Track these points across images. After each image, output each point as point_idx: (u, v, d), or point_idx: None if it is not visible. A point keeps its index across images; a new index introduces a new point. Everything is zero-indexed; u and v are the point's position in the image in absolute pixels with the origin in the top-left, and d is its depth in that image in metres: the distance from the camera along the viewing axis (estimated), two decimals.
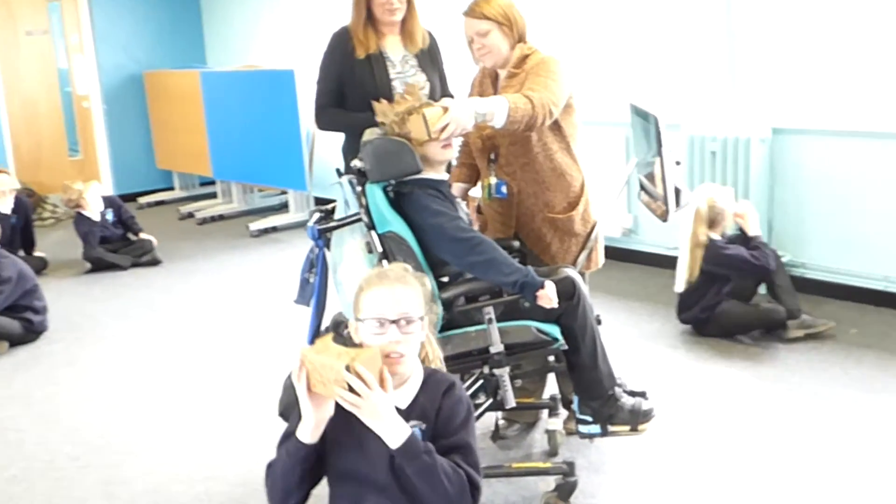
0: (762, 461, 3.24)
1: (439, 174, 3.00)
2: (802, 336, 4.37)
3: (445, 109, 2.87)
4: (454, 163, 3.59)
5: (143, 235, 6.92)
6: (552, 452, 3.23)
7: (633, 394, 3.26)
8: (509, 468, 3.19)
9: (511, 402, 2.94)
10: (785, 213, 5.11)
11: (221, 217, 8.33)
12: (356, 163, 2.98)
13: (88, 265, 6.61)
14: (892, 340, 4.32)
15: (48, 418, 4.05)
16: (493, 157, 3.33)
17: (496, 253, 2.84)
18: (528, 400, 3.38)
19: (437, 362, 2.24)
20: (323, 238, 3.17)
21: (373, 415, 1.88)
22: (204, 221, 8.25)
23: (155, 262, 6.71)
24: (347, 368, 1.79)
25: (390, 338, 1.94)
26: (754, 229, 4.55)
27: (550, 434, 3.28)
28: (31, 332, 5.06)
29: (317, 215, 3.30)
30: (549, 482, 3.02)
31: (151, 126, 9.35)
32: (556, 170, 3.27)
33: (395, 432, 1.89)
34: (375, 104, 3.08)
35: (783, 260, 4.82)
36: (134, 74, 9.23)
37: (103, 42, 9.02)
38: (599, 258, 3.51)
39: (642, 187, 3.78)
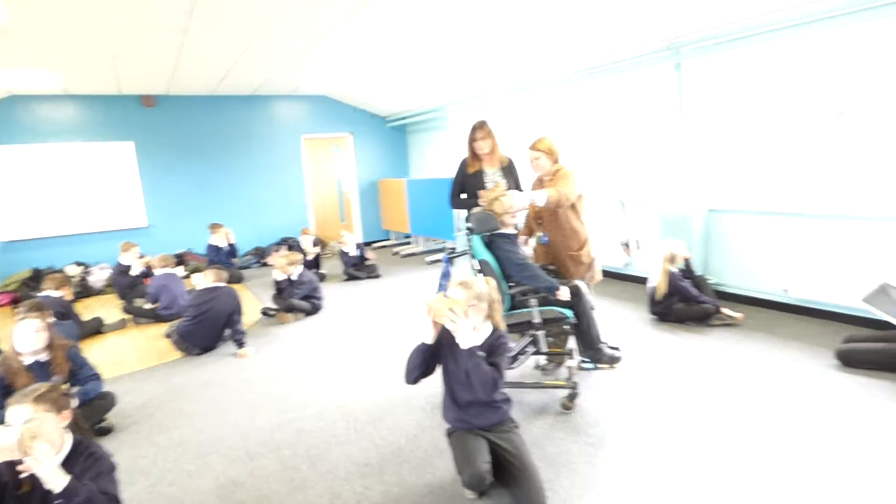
0: (694, 389, 3.19)
1: (510, 230, 3.15)
2: (720, 324, 4.21)
3: (512, 197, 3.07)
4: (521, 225, 3.71)
5: (370, 262, 7.06)
6: (569, 378, 3.19)
7: (612, 348, 3.30)
8: (544, 384, 3.25)
9: (544, 348, 3.05)
10: (715, 255, 4.88)
11: (413, 254, 8.43)
12: (468, 224, 3.15)
13: (345, 277, 6.88)
14: (774, 325, 4.10)
15: (318, 349, 4.36)
16: (540, 221, 3.43)
17: (538, 271, 2.99)
18: (557, 350, 3.42)
19: (501, 325, 2.43)
20: (450, 262, 3.41)
21: (459, 332, 2.11)
22: (405, 256, 8.37)
23: (378, 276, 6.88)
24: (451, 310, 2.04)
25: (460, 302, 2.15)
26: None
27: (569, 368, 3.27)
28: (316, 309, 5.39)
29: (448, 250, 3.55)
30: (564, 393, 3.09)
31: (380, 207, 9.62)
32: (573, 229, 3.32)
33: (467, 342, 2.10)
34: (480, 192, 3.28)
35: (712, 282, 4.63)
36: (373, 181, 9.56)
37: (359, 164, 9.39)
38: (598, 276, 3.49)
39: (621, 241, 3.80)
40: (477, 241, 3.06)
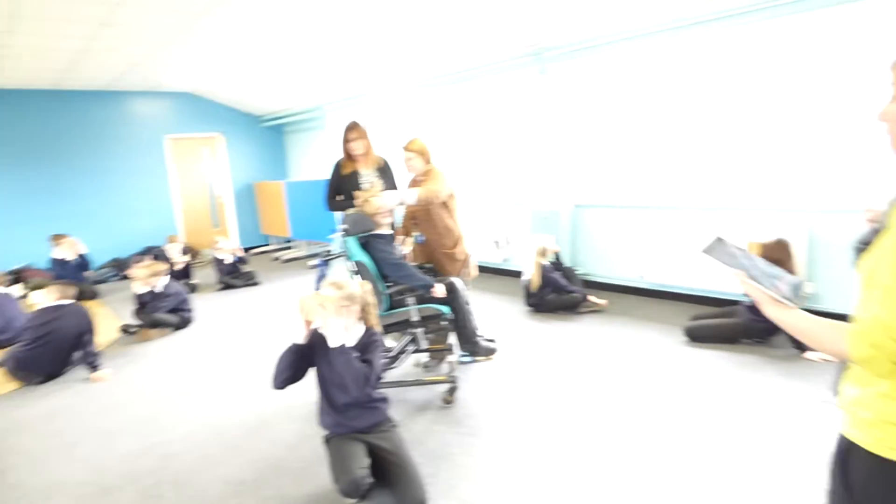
0: (564, 372, 3.40)
1: (385, 230, 3.13)
2: (588, 311, 4.54)
3: (382, 197, 3.08)
4: (398, 224, 3.72)
5: (247, 268, 6.72)
6: (449, 373, 3.27)
7: (488, 340, 3.43)
8: (424, 380, 3.30)
9: (424, 345, 3.11)
10: (582, 248, 5.26)
11: (295, 259, 8.20)
12: (342, 226, 3.11)
13: (220, 286, 6.48)
14: (633, 309, 4.50)
15: (188, 365, 4.07)
16: (415, 222, 3.47)
17: (413, 270, 3.03)
18: (438, 346, 3.48)
19: (377, 326, 2.43)
20: (326, 265, 3.35)
21: (329, 331, 2.10)
22: (286, 261, 8.12)
23: (256, 284, 6.55)
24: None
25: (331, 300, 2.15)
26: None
27: (450, 363, 3.37)
28: (185, 322, 5.01)
29: (324, 253, 3.48)
30: (445, 387, 3.16)
31: (259, 210, 9.18)
32: (446, 228, 3.38)
33: (337, 339, 2.09)
34: (356, 193, 3.24)
35: (579, 272, 4.98)
36: (248, 184, 9.10)
37: (233, 167, 8.86)
38: (473, 273, 3.57)
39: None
40: (352, 243, 3.03)
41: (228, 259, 6.60)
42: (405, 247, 3.56)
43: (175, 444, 2.93)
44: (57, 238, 6.37)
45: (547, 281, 4.51)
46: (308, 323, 2.16)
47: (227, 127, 8.75)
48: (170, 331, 4.90)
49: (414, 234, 3.46)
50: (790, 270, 3.36)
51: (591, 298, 4.56)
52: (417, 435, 2.78)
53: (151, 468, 2.71)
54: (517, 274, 5.55)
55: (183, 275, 6.54)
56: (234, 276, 6.56)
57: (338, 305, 2.17)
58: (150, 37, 5.07)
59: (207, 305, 5.73)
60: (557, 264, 4.68)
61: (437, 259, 3.44)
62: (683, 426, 2.72)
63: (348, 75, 6.47)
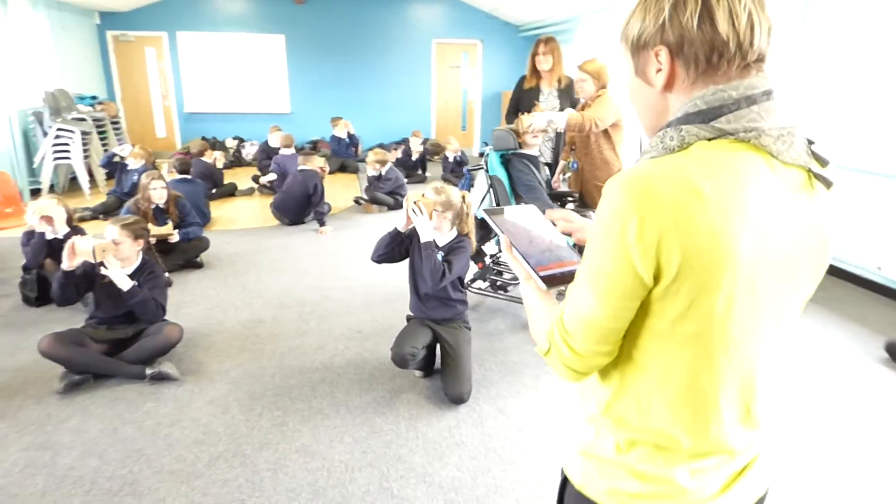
0: None
1: (531, 151, 3.14)
2: None
3: (532, 116, 3.04)
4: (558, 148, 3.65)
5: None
6: None
7: None
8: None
9: None
10: None
11: None
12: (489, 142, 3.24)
13: (442, 179, 6.91)
14: (839, 304, 3.61)
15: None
16: (573, 148, 3.34)
17: (542, 195, 3.01)
18: None
19: (471, 235, 2.60)
20: (471, 173, 3.54)
21: (419, 226, 2.36)
22: None
23: (472, 185, 7.08)
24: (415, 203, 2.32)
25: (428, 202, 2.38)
26: None
27: None
28: (398, 204, 5.68)
29: (475, 164, 3.64)
30: None
31: (502, 118, 9.56)
32: (603, 159, 3.17)
33: (427, 236, 2.35)
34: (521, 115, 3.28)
35: None
36: (497, 91, 9.46)
37: (486, 74, 9.31)
38: None
39: None
40: (493, 158, 3.13)
41: (451, 157, 7.25)
42: (563, 173, 3.51)
43: (336, 291, 3.70)
44: (334, 120, 7.89)
45: None
46: (409, 217, 2.45)
47: (487, 34, 9.13)
48: (386, 209, 5.80)
49: (570, 159, 3.34)
50: None
51: None
52: (506, 347, 2.95)
53: (312, 302, 3.52)
54: None
55: (420, 165, 7.48)
56: (455, 173, 7.18)
57: (432, 208, 2.40)
58: None
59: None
60: None
61: (587, 190, 3.27)
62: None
63: None
